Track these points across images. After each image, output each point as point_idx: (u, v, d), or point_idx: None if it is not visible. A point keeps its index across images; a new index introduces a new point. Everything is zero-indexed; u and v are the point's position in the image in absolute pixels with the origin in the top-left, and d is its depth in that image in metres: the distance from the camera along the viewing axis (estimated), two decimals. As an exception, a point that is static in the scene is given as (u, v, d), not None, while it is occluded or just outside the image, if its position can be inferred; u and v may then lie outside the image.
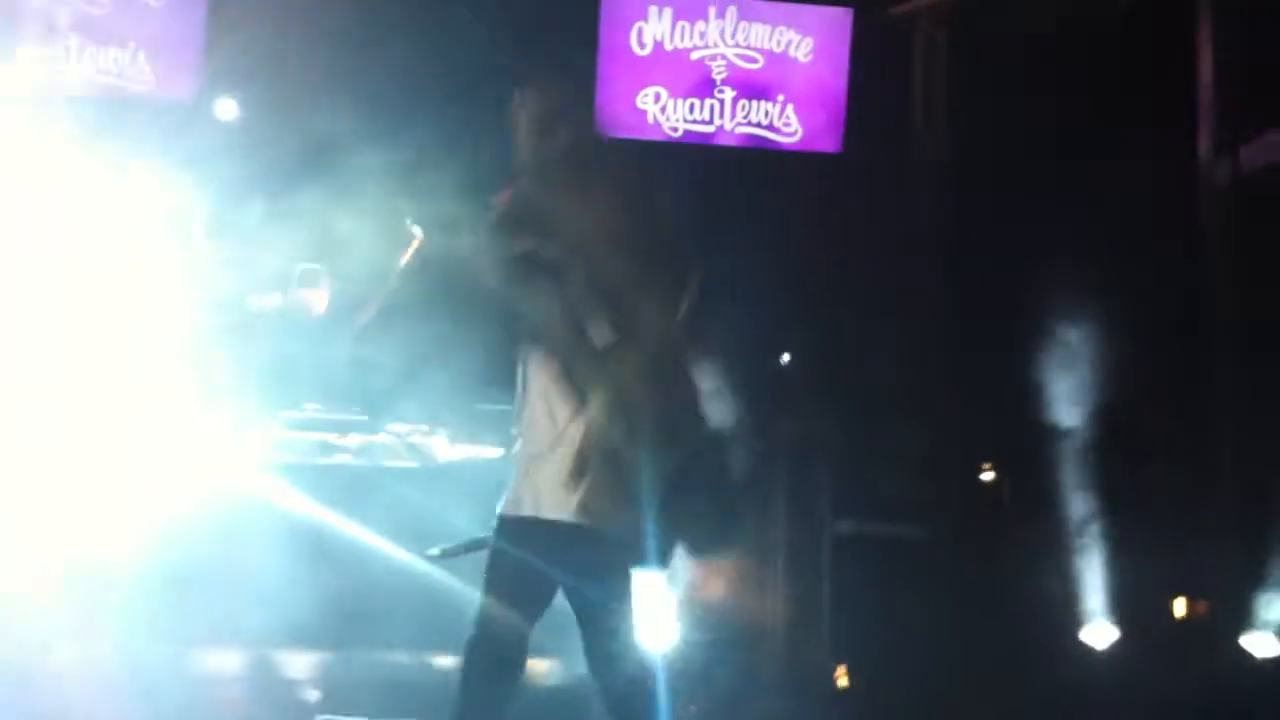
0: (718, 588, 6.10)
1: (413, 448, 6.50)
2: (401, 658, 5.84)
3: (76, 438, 6.24)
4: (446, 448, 6.57)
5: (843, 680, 5.87)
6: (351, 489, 5.96)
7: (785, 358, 7.34)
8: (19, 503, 5.68)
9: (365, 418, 6.47)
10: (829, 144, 8.16)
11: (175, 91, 7.64)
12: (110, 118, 7.30)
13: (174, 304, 6.01)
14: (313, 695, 5.34)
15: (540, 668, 5.83)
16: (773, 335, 7.47)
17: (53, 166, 6.82)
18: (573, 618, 3.49)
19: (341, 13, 7.47)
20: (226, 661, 5.51)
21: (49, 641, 5.33)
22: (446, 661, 5.72)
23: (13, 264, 6.01)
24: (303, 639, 5.61)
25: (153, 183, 6.81)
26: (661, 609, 6.11)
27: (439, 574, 5.32)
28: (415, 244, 6.87)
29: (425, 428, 6.67)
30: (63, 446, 6.14)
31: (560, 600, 3.48)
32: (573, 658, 5.06)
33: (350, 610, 5.62)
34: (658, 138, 8.06)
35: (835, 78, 8.14)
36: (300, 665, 5.67)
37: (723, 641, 5.92)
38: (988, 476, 7.03)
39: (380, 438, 6.50)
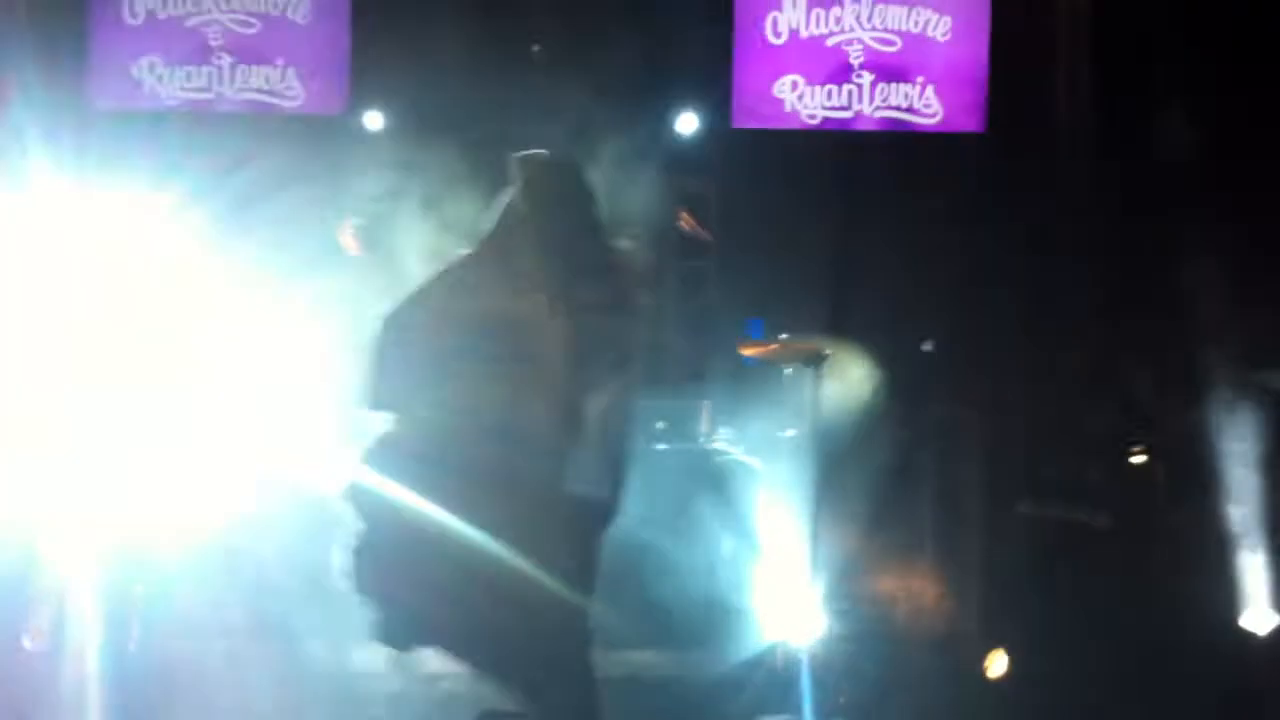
0: (864, 578, 6.08)
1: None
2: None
3: (242, 444, 6.50)
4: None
5: (995, 670, 5.77)
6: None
7: (927, 345, 7.25)
8: (187, 502, 5.96)
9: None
10: (972, 123, 8.02)
11: (324, 106, 7.88)
12: (261, 134, 7.60)
13: (326, 315, 6.19)
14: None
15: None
16: (919, 320, 7.38)
17: (206, 183, 7.12)
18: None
19: (483, 20, 7.61)
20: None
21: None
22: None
23: (171, 277, 6.27)
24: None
25: (304, 197, 7.04)
26: (805, 602, 6.12)
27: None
28: None
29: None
30: (230, 451, 6.41)
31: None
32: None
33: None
34: (795, 126, 8.03)
35: (975, 55, 8.00)
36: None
37: (871, 633, 5.89)
38: (1142, 458, 6.84)
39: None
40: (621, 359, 3.75)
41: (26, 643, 5.35)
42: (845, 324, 7.07)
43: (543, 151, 3.81)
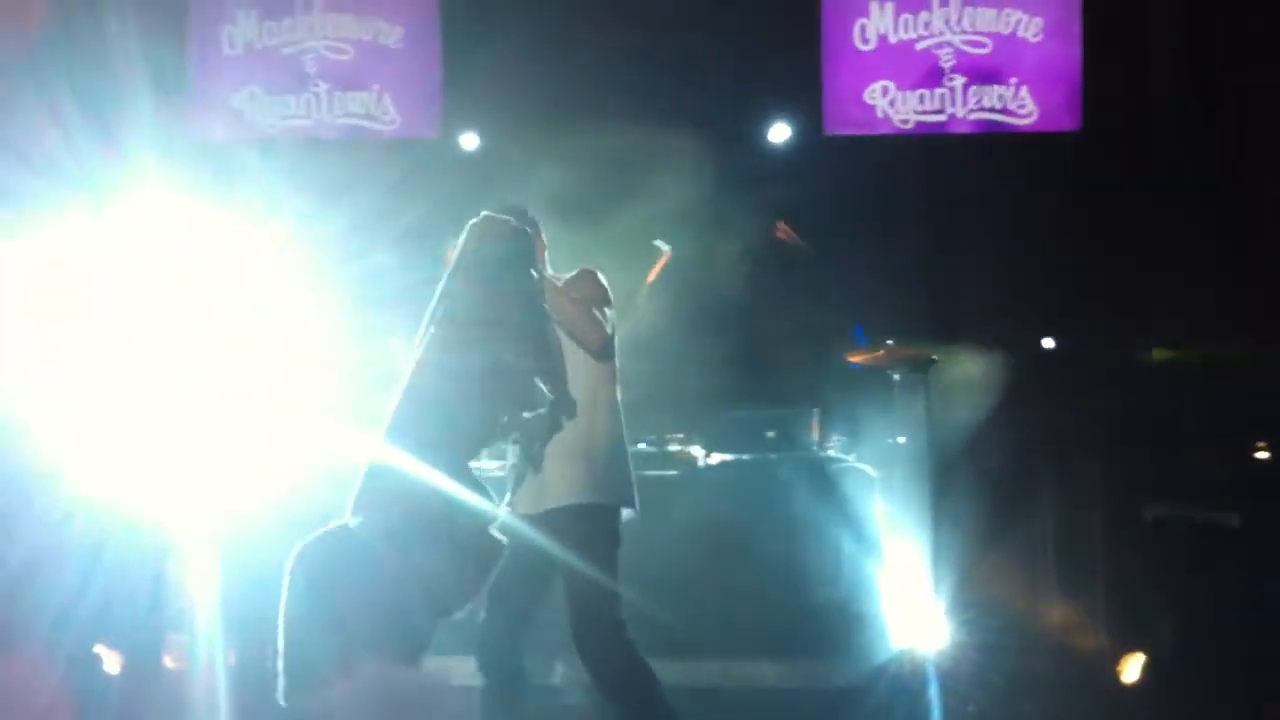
0: (988, 585, 6.02)
1: (670, 456, 6.61)
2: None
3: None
4: (703, 454, 6.66)
5: (1126, 675, 5.69)
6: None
7: (1049, 342, 7.17)
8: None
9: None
10: (1068, 122, 7.94)
11: (419, 130, 7.96)
12: (357, 158, 7.69)
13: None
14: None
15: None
16: (1027, 321, 7.31)
17: (307, 207, 7.22)
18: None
19: (573, 39, 7.66)
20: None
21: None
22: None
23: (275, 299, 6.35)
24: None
25: (402, 219, 7.11)
26: (929, 610, 6.07)
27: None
28: (663, 260, 7.00)
29: (680, 435, 6.77)
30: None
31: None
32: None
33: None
34: (888, 131, 8.00)
35: (1069, 54, 7.93)
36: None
37: (997, 641, 5.82)
38: (1266, 455, 6.71)
39: (639, 446, 6.63)
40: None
41: (169, 662, 5.44)
42: (951, 327, 7.04)
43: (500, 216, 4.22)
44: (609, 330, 4.29)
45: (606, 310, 4.31)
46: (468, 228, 4.22)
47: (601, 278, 4.39)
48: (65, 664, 5.02)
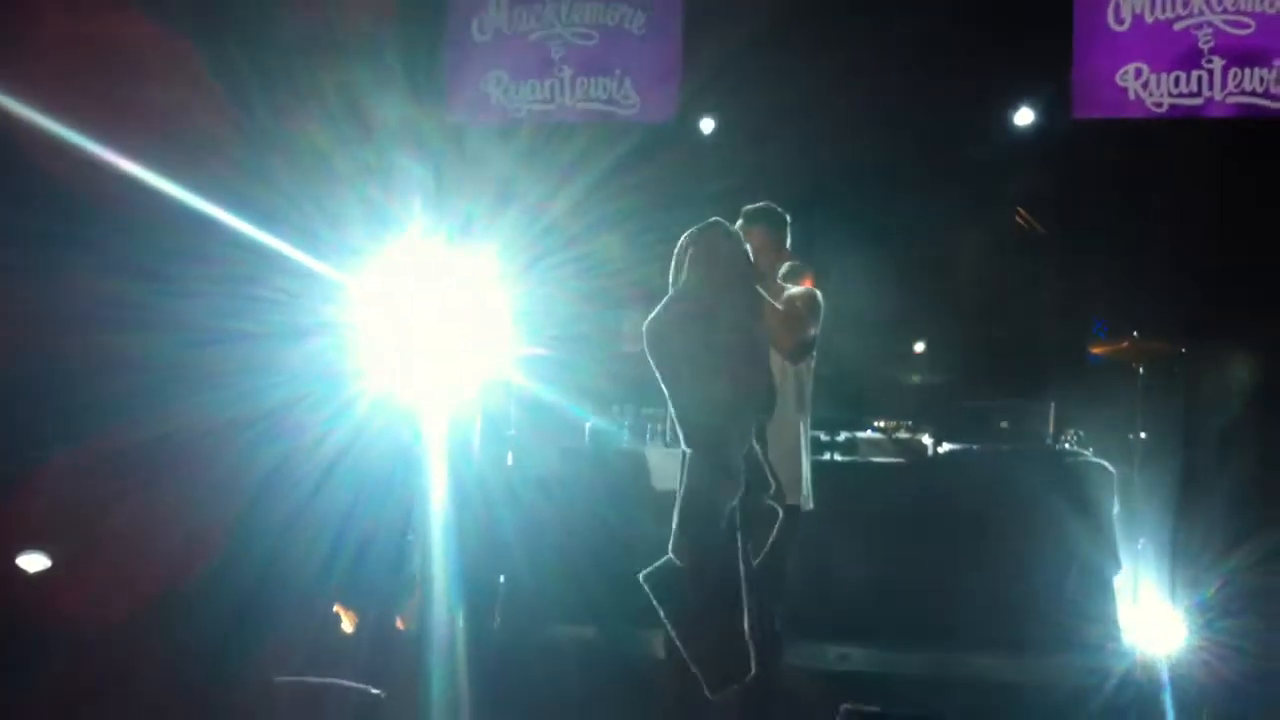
0: (1229, 587, 5.80)
1: (900, 443, 6.58)
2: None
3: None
4: (932, 443, 6.60)
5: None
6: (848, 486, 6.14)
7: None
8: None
9: (851, 414, 6.61)
10: (1335, 106, 7.51)
11: (658, 115, 8.07)
12: (599, 142, 7.88)
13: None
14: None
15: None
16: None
17: (571, 189, 7.46)
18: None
19: (811, 24, 7.65)
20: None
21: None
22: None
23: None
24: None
25: (637, 202, 7.27)
26: (1165, 610, 5.90)
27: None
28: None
29: (909, 423, 6.73)
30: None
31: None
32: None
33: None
34: (1140, 115, 7.71)
35: (1340, 35, 7.49)
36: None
37: (1234, 646, 5.61)
38: None
39: (867, 434, 6.63)
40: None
41: (400, 624, 5.73)
42: (1201, 321, 6.77)
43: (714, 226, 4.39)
44: (806, 337, 4.37)
45: (810, 322, 4.41)
46: (694, 235, 4.33)
47: (817, 294, 4.50)
48: (326, 618, 5.36)
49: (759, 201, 4.78)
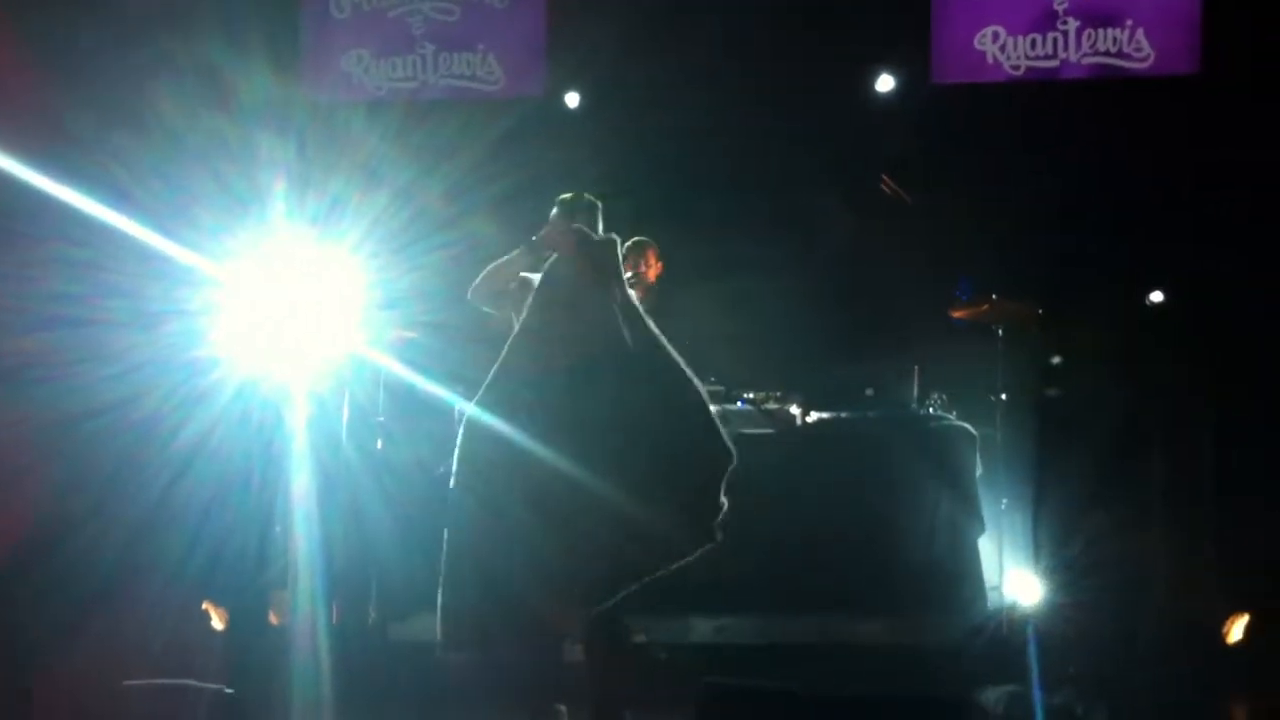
0: (1092, 545, 5.92)
1: (769, 414, 6.61)
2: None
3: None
4: (800, 412, 6.64)
5: (1234, 635, 5.57)
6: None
7: (1157, 296, 6.96)
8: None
9: (720, 387, 6.62)
10: (1185, 64, 7.68)
11: (523, 90, 8.00)
12: (471, 121, 7.77)
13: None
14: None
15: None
16: (1142, 277, 7.11)
17: (413, 169, 7.35)
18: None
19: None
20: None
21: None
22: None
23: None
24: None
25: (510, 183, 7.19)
26: (1029, 569, 6.02)
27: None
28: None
29: (778, 394, 6.76)
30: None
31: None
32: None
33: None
34: (998, 78, 7.81)
35: (1188, -7, 7.66)
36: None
37: (1097, 601, 5.74)
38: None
39: (737, 406, 6.64)
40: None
41: (273, 618, 5.63)
42: (1061, 282, 6.88)
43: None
44: None
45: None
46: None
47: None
48: (181, 618, 5.24)
49: (581, 192, 4.80)
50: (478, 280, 4.66)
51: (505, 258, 4.63)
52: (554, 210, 4.71)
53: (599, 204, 4.74)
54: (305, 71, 8.03)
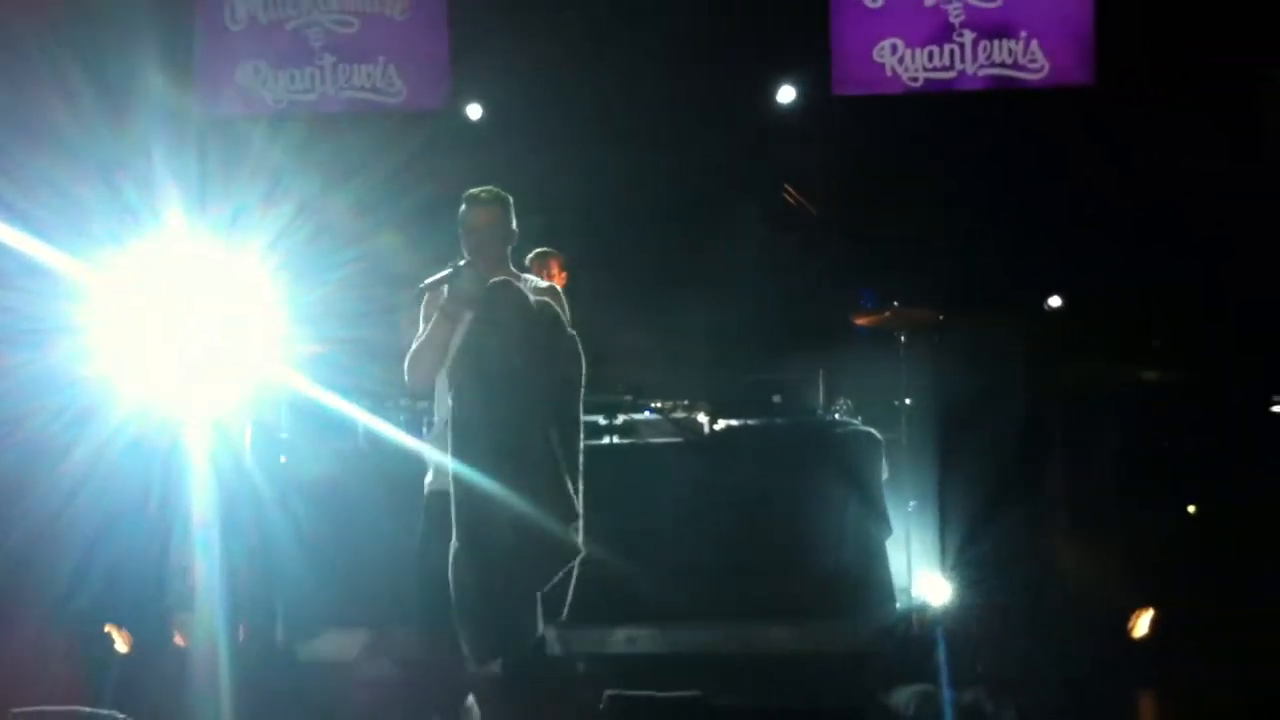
0: (998, 546, 6.00)
1: (677, 422, 6.60)
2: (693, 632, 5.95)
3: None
4: (708, 420, 6.64)
5: (1139, 629, 5.65)
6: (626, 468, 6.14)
7: (1055, 301, 7.09)
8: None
9: (629, 398, 6.60)
10: (1080, 75, 7.83)
11: (426, 102, 7.94)
12: (366, 131, 7.69)
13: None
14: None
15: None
16: (1036, 280, 7.24)
17: (315, 184, 7.24)
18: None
19: (576, 5, 7.61)
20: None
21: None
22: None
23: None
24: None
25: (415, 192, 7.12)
26: (936, 572, 6.07)
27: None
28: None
29: (685, 402, 6.76)
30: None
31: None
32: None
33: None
34: (896, 90, 7.91)
35: (1080, 5, 7.81)
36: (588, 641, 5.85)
37: (1004, 600, 5.81)
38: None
39: (644, 415, 6.63)
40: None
41: (179, 640, 5.50)
42: (962, 288, 6.97)
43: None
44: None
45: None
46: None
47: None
48: (74, 642, 5.08)
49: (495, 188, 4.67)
50: (408, 374, 4.37)
51: (421, 337, 4.37)
52: (462, 209, 4.49)
53: (508, 198, 4.51)
54: (200, 84, 7.90)
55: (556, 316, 4.33)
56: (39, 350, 5.32)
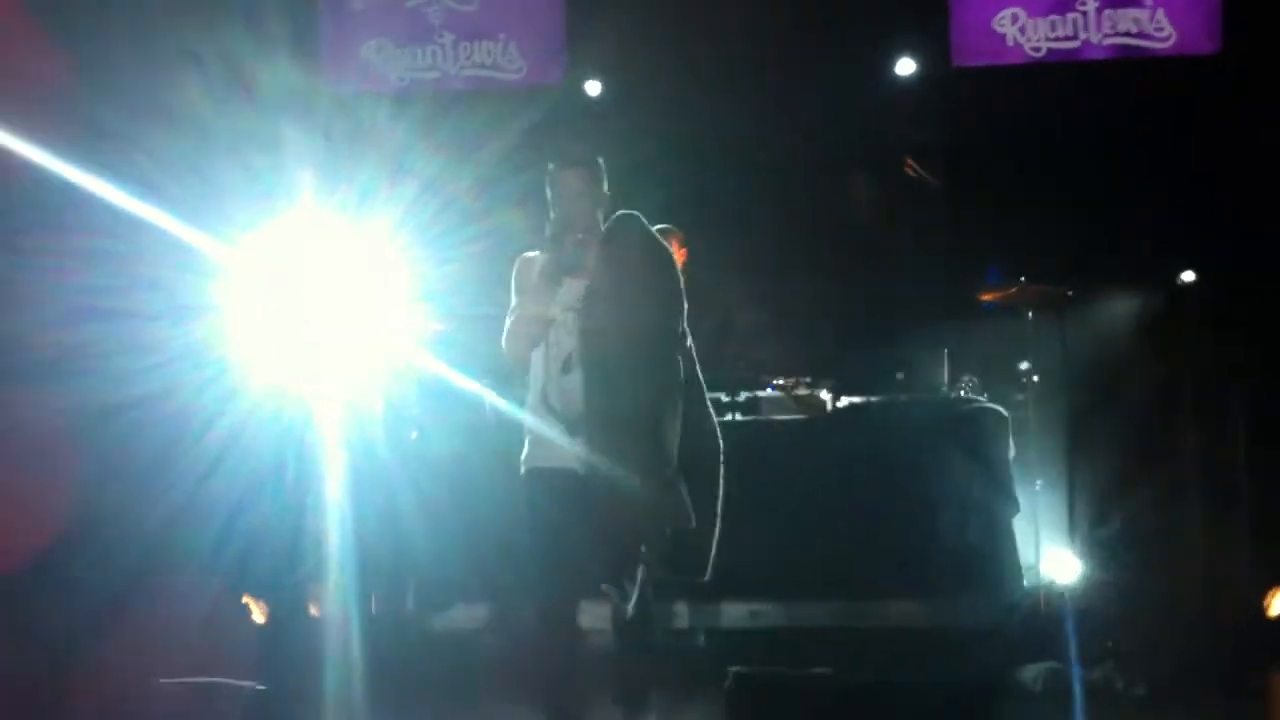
0: (1128, 523, 5.93)
1: (800, 400, 6.60)
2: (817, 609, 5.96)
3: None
4: (831, 398, 6.63)
5: (1274, 608, 5.56)
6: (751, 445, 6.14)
7: (1187, 276, 6.94)
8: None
9: (750, 374, 6.62)
10: (1206, 44, 7.64)
11: (545, 78, 7.98)
12: (486, 108, 7.76)
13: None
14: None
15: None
16: (1171, 257, 7.09)
17: (440, 159, 7.32)
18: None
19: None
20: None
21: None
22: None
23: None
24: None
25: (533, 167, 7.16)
26: (1065, 548, 6.01)
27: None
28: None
29: (808, 379, 6.76)
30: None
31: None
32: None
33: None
34: (1018, 60, 7.78)
35: (1209, -28, 7.62)
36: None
37: (1135, 578, 5.74)
38: None
39: (768, 393, 6.64)
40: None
41: (313, 610, 5.64)
42: (1090, 264, 6.87)
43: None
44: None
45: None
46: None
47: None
48: (213, 613, 5.23)
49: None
50: (505, 346, 4.28)
51: (516, 309, 4.25)
52: (550, 168, 4.31)
53: (599, 160, 4.32)
54: (326, 62, 8.02)
55: (661, 278, 4.23)
56: (183, 327, 5.47)
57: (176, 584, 5.26)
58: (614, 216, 4.31)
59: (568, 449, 4.14)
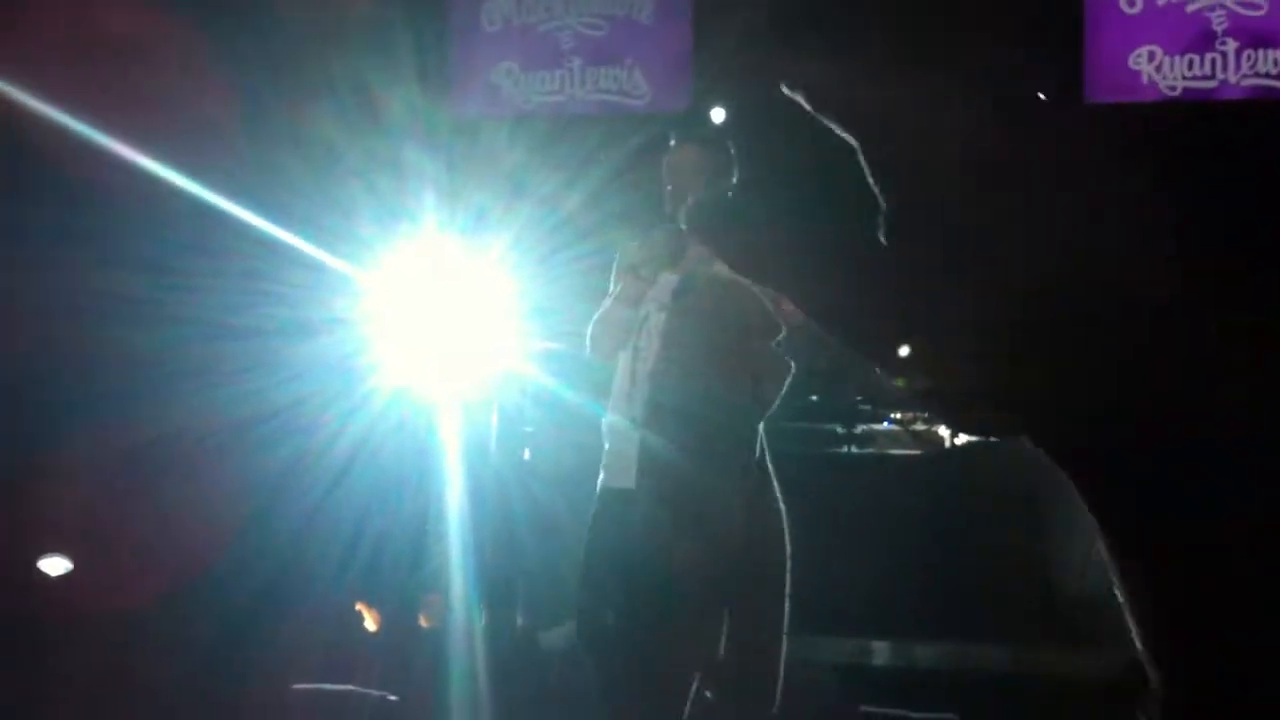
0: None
1: (917, 435, 6.53)
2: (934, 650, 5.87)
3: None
4: (949, 434, 6.55)
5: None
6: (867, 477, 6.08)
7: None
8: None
9: (869, 406, 6.56)
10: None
11: (669, 104, 7.99)
12: (613, 133, 7.79)
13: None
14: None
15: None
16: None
17: (585, 181, 7.38)
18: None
19: (822, 8, 7.56)
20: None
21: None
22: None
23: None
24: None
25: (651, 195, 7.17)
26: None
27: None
28: None
29: (926, 414, 6.66)
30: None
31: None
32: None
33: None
34: (1153, 98, 7.64)
35: (1354, 16, 7.42)
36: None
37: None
38: None
39: (884, 426, 6.58)
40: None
41: (423, 621, 5.68)
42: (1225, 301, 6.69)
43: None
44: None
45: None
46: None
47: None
48: (339, 622, 5.30)
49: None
50: (590, 342, 4.09)
51: (608, 302, 4.08)
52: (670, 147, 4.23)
53: (727, 142, 4.19)
54: (454, 86, 8.12)
55: (750, 292, 3.90)
56: (310, 342, 5.57)
57: (310, 593, 5.34)
58: None
59: (633, 455, 3.93)
